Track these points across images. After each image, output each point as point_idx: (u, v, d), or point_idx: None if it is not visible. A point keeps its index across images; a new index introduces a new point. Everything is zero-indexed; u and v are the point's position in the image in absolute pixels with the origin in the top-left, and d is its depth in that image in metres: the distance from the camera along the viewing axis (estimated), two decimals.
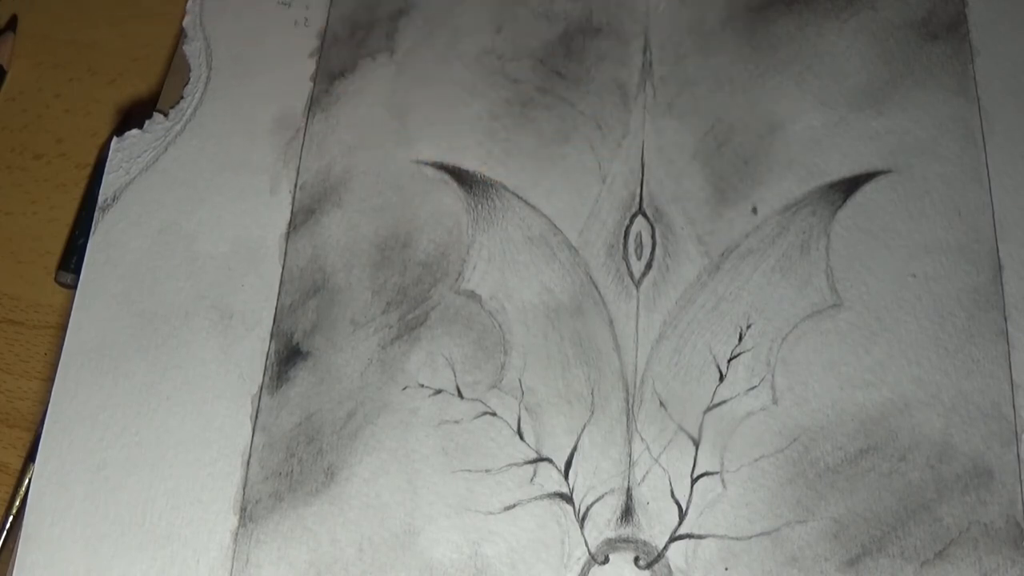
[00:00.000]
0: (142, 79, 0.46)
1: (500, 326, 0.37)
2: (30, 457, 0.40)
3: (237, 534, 0.35)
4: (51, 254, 0.43)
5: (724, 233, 0.38)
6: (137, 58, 0.47)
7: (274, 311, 0.38)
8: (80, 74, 0.47)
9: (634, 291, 0.37)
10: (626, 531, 0.34)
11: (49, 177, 0.45)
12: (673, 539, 0.34)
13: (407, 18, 0.43)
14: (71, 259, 0.43)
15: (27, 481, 0.39)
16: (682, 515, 0.34)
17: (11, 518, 0.39)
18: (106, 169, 0.41)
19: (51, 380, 0.41)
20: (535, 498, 0.35)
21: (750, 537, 0.34)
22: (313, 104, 0.41)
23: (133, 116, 0.46)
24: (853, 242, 0.37)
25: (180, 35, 0.44)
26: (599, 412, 0.36)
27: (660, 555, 0.34)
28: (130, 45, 0.47)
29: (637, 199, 0.39)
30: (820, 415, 0.35)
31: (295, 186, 0.40)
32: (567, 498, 0.35)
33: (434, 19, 0.43)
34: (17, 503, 0.39)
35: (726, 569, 0.33)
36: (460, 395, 0.36)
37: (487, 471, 0.35)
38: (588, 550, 0.34)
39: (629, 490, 0.35)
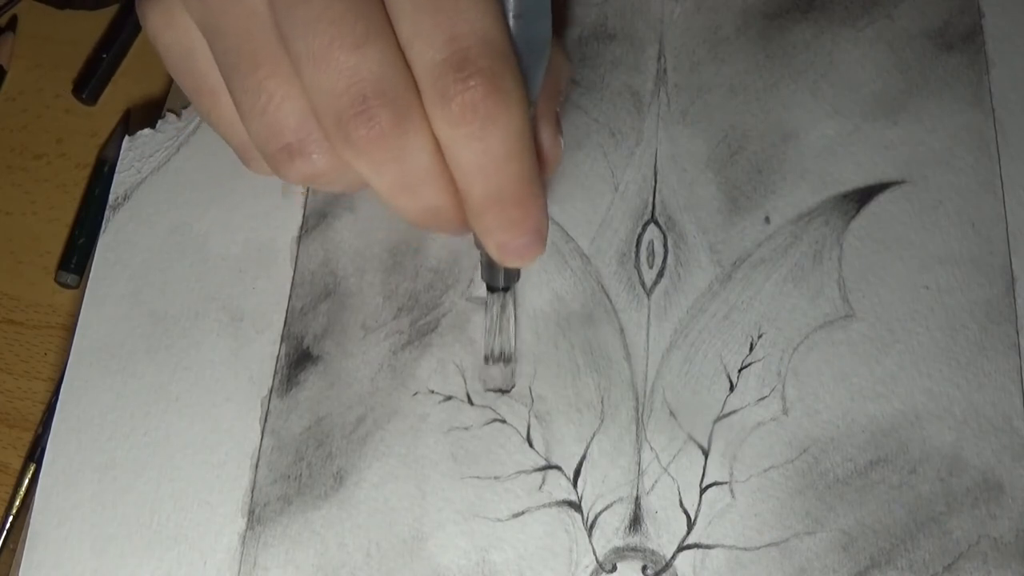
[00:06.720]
0: (142, 79, 0.48)
1: None
2: (30, 457, 0.41)
3: (245, 536, 0.36)
4: (51, 254, 0.45)
5: (736, 242, 0.39)
6: (138, 57, 0.48)
7: (285, 314, 0.39)
8: None
9: (645, 300, 0.39)
10: (634, 540, 0.35)
11: (49, 177, 0.46)
12: (681, 549, 0.35)
13: None
14: (71, 259, 0.44)
15: (27, 481, 0.41)
16: (691, 525, 0.35)
17: (11, 518, 0.40)
18: (117, 167, 0.43)
19: (52, 380, 0.42)
20: (543, 506, 0.36)
21: (758, 548, 0.35)
22: None
23: (133, 117, 0.47)
24: (866, 253, 0.39)
25: None
26: (609, 420, 0.37)
27: (668, 564, 0.35)
28: None
29: (649, 207, 0.40)
30: (830, 426, 0.36)
31: (308, 189, 0.41)
32: (576, 506, 0.36)
33: None
34: (17, 503, 0.41)
35: None
36: (470, 402, 0.38)
37: (496, 478, 0.37)
38: (596, 558, 0.35)
39: (638, 499, 0.36)
